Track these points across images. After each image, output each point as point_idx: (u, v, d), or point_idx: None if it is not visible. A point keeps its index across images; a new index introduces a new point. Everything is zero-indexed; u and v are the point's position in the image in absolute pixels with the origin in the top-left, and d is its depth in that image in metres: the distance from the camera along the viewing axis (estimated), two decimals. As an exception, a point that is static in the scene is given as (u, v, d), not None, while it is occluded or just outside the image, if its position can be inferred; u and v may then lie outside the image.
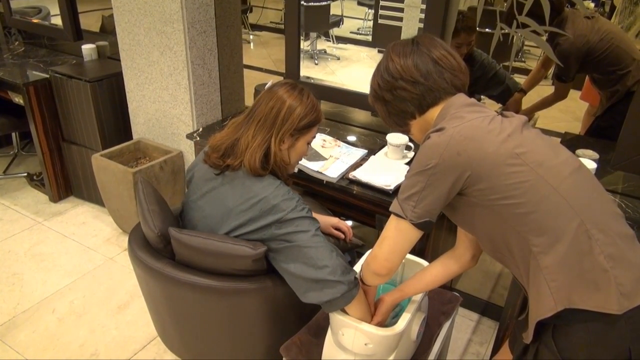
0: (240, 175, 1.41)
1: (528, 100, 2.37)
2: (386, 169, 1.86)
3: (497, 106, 2.63)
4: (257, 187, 1.38)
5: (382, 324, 1.37)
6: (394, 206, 1.10)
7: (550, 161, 1.04)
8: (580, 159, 1.85)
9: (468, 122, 1.05)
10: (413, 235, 1.10)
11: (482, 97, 2.57)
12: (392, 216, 1.11)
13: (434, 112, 1.15)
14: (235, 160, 1.41)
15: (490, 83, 2.50)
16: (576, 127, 2.42)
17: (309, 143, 1.51)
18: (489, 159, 1.01)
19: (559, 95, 2.12)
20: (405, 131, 1.24)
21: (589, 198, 1.04)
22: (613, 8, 3.05)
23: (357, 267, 1.42)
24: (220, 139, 1.46)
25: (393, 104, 1.18)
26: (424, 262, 1.49)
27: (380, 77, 1.18)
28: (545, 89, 2.20)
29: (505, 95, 2.52)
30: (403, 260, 1.50)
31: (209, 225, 1.47)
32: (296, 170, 1.89)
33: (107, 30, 3.09)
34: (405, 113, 1.18)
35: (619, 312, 0.97)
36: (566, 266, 1.00)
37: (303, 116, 1.41)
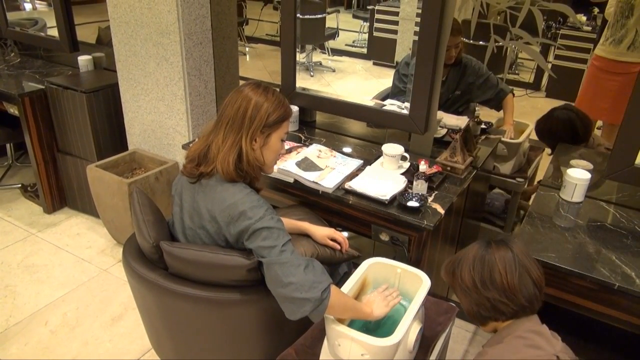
0: (213, 182, 1.41)
1: (520, 109, 2.36)
2: (382, 179, 1.87)
3: (494, 114, 2.66)
4: (227, 193, 1.38)
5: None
6: None
7: None
8: (574, 168, 1.86)
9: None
10: None
11: (477, 107, 2.60)
12: None
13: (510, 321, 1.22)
14: (208, 167, 1.40)
15: (484, 86, 2.54)
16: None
17: (283, 140, 1.50)
18: None
19: None
20: (481, 323, 1.28)
21: None
22: (605, 21, 3.09)
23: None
24: (194, 149, 1.46)
25: (485, 307, 1.21)
26: (421, 273, 1.48)
27: (481, 281, 1.19)
28: (539, 100, 2.21)
29: (500, 97, 2.56)
30: (399, 271, 1.51)
31: (191, 236, 1.47)
32: (292, 180, 1.90)
33: (104, 41, 3.10)
34: (492, 317, 1.22)
35: None
36: None
37: (271, 112, 1.41)
